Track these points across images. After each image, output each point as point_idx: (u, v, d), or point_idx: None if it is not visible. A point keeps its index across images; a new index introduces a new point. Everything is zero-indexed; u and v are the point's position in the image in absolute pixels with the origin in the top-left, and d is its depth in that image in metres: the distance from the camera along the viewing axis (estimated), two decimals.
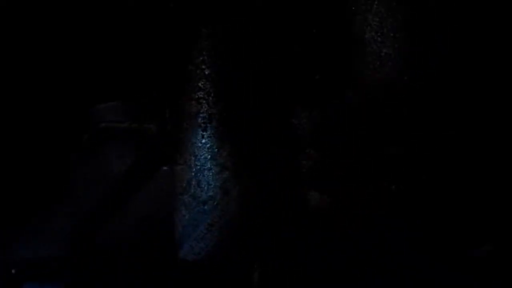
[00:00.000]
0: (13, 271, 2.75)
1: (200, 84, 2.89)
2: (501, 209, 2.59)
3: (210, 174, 2.87)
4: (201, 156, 2.88)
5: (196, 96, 2.89)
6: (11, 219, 2.86)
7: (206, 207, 2.87)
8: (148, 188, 2.95)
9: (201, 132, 2.88)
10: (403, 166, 2.69)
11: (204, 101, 2.88)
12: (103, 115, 2.93)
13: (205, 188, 2.87)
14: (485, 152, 2.63)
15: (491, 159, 2.61)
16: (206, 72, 2.89)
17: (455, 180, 2.64)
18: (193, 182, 2.88)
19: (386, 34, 2.73)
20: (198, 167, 2.88)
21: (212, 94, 2.88)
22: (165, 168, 2.97)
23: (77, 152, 2.92)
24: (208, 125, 2.88)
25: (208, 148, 2.88)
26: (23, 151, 2.88)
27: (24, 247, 2.84)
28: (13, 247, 2.84)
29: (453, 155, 2.65)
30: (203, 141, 2.88)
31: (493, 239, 2.56)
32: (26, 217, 2.87)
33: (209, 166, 2.88)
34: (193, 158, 2.89)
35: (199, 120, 2.89)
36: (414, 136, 2.70)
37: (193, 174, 2.89)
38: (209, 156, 2.87)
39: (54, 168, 2.91)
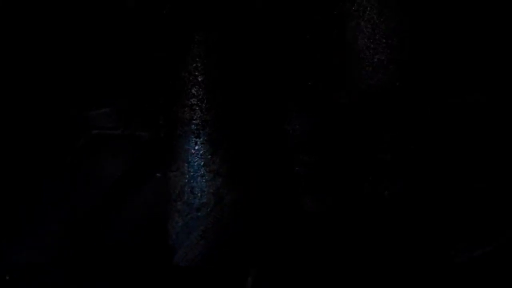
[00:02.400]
0: (7, 277, 2.74)
1: (193, 91, 2.89)
2: (491, 215, 2.59)
3: (204, 180, 2.87)
4: (194, 162, 2.88)
5: (190, 103, 2.89)
6: (4, 224, 2.85)
7: (199, 213, 2.86)
8: (142, 195, 2.95)
9: (194, 139, 2.88)
10: (396, 171, 2.70)
11: (197, 108, 2.89)
12: (96, 121, 2.93)
13: (199, 194, 2.87)
14: (476, 158, 2.64)
15: (482, 165, 2.62)
16: (200, 79, 2.89)
17: (447, 185, 2.65)
18: (187, 189, 2.88)
19: (379, 41, 2.73)
20: (192, 173, 2.88)
21: (205, 101, 2.88)
22: (158, 174, 2.96)
23: (71, 158, 2.92)
24: (201, 131, 2.88)
25: (201, 155, 2.88)
26: (16, 156, 2.88)
27: (17, 253, 2.84)
28: (6, 253, 2.83)
29: (447, 160, 2.66)
30: (196, 147, 2.88)
31: (482, 245, 2.57)
32: (19, 223, 2.86)
33: (202, 172, 2.87)
34: (186, 164, 2.89)
35: (193, 126, 2.89)
36: (407, 142, 2.71)
37: (186, 180, 2.89)
38: (203, 163, 2.87)
39: (47, 173, 2.91)
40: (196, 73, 2.89)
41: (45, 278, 2.78)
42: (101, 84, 2.92)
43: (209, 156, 2.87)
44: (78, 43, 2.90)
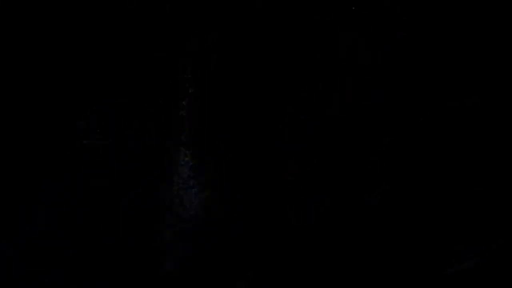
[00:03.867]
0: None
1: (183, 103, 2.89)
2: (483, 222, 2.88)
3: (193, 192, 2.89)
4: (184, 173, 2.89)
5: (180, 114, 2.88)
6: (4, 224, 2.65)
7: (189, 225, 2.88)
8: (131, 206, 2.87)
9: (184, 150, 2.88)
10: (388, 179, 2.91)
11: (187, 119, 2.89)
12: (86, 131, 2.79)
13: (188, 206, 2.89)
14: (472, 162, 2.89)
15: (479, 169, 2.88)
16: (190, 91, 2.89)
17: (440, 191, 2.89)
18: (176, 200, 2.88)
19: (372, 50, 2.91)
20: (181, 185, 2.89)
21: (195, 112, 2.89)
22: (148, 186, 2.91)
23: (59, 168, 2.76)
24: (191, 143, 2.89)
25: (191, 166, 2.89)
26: (16, 157, 2.67)
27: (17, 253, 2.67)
28: (6, 253, 2.64)
29: (442, 165, 2.89)
30: (186, 159, 2.89)
31: (472, 255, 2.85)
32: (19, 222, 2.68)
33: (191, 184, 2.89)
34: (176, 176, 2.88)
35: (182, 138, 2.88)
36: (394, 150, 2.93)
37: (175, 192, 2.88)
38: (192, 174, 2.89)
39: (34, 184, 2.72)
40: (187, 85, 2.89)
41: (45, 278, 2.66)
42: (91, 93, 2.79)
43: (199, 167, 2.90)
44: (67, 52, 2.74)
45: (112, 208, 2.83)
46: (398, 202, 2.90)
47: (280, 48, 2.93)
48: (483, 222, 2.86)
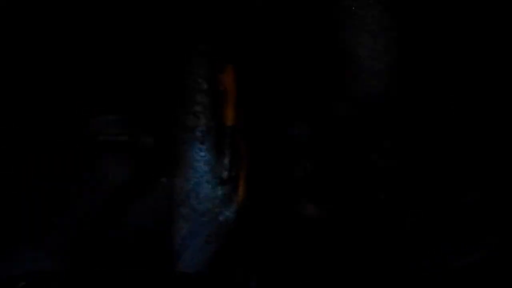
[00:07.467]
0: (22, 283, 2.61)
1: (197, 98, 2.93)
2: (487, 219, 2.89)
3: (209, 186, 2.94)
4: (199, 168, 2.93)
5: (194, 110, 2.93)
6: (13, 230, 2.72)
7: (204, 219, 2.93)
8: (147, 200, 2.93)
9: (199, 145, 2.93)
10: (392, 176, 2.93)
11: (201, 115, 2.93)
12: (101, 128, 2.86)
13: (203, 200, 2.93)
14: (473, 165, 2.93)
15: (478, 172, 2.92)
16: (204, 87, 2.94)
17: (443, 188, 2.91)
18: (192, 194, 2.93)
19: (378, 50, 2.93)
20: (197, 179, 2.93)
21: (209, 108, 2.94)
22: (164, 180, 2.97)
23: (75, 164, 2.83)
24: (206, 138, 2.93)
25: (206, 161, 2.93)
26: (21, 162, 2.74)
27: (26, 260, 2.73)
28: (17, 260, 2.72)
29: (441, 165, 2.91)
30: (201, 154, 2.93)
31: (480, 247, 2.84)
32: (26, 229, 2.75)
33: (207, 178, 2.94)
34: (191, 170, 2.93)
35: (197, 133, 2.93)
36: (402, 147, 2.95)
37: (191, 186, 2.93)
38: (207, 169, 2.94)
39: (51, 180, 2.80)
40: (200, 81, 2.93)
41: (54, 284, 2.71)
42: (108, 90, 2.85)
43: (214, 162, 2.94)
44: (82, 45, 2.80)
45: (128, 203, 2.90)
46: (402, 198, 2.91)
47: (287, 49, 2.97)
48: (484, 222, 2.85)
